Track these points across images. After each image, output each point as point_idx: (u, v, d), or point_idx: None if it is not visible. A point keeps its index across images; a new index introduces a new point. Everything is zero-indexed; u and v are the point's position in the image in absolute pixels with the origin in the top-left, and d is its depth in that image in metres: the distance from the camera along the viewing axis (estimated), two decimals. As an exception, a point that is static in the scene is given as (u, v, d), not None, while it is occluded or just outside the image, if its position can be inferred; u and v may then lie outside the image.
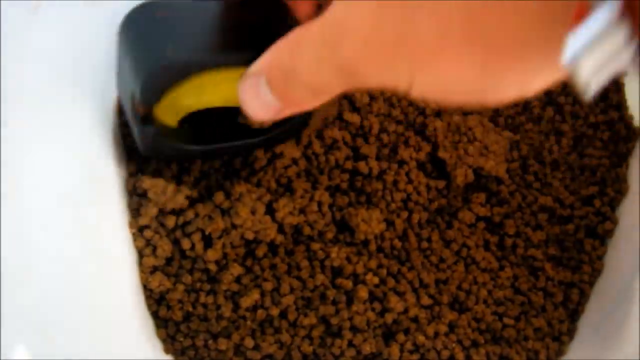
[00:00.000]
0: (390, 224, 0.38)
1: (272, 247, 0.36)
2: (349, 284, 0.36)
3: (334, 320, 0.35)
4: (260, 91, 0.23)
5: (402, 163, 0.39)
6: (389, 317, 0.36)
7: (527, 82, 0.20)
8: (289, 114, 0.24)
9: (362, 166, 0.38)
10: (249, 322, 0.35)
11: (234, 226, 0.35)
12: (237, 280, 0.36)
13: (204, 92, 0.29)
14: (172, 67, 0.27)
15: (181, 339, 0.35)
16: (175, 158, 0.33)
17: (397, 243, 0.38)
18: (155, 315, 0.36)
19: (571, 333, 0.39)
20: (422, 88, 0.21)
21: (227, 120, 0.33)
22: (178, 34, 0.27)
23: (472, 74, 0.20)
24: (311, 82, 0.22)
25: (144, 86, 0.27)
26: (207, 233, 0.35)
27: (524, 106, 0.44)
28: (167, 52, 0.26)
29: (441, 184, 0.40)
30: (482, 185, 0.41)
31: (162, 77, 0.27)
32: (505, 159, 0.41)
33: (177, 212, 0.35)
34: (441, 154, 0.40)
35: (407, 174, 0.39)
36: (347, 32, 0.20)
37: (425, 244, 0.39)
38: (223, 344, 0.35)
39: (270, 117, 0.24)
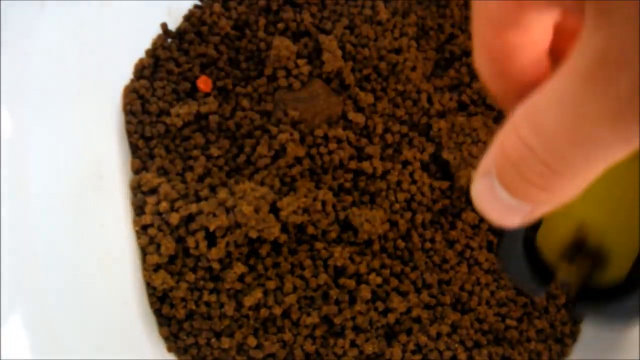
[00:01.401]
0: (393, 224, 0.38)
1: (276, 246, 0.36)
2: (351, 283, 0.36)
3: (336, 320, 0.35)
4: (496, 192, 0.17)
5: (406, 163, 0.39)
6: (392, 317, 0.36)
7: None
8: (544, 213, 0.17)
9: (366, 166, 0.38)
10: (251, 321, 0.35)
11: (238, 224, 0.35)
12: (241, 278, 0.36)
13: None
14: None
15: (184, 337, 0.35)
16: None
17: (400, 243, 0.38)
18: (158, 313, 0.36)
19: (574, 335, 0.39)
20: None
21: None
22: None
23: None
24: (561, 156, 0.15)
25: None
26: (211, 231, 0.35)
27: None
28: None
29: (445, 184, 0.40)
30: (486, 187, 0.41)
31: None
32: (509, 161, 0.41)
33: (180, 210, 0.35)
34: (445, 154, 0.40)
35: (410, 175, 0.39)
36: (622, 64, 0.14)
37: (428, 245, 0.38)
38: (226, 342, 0.35)
39: (518, 222, 0.18)
